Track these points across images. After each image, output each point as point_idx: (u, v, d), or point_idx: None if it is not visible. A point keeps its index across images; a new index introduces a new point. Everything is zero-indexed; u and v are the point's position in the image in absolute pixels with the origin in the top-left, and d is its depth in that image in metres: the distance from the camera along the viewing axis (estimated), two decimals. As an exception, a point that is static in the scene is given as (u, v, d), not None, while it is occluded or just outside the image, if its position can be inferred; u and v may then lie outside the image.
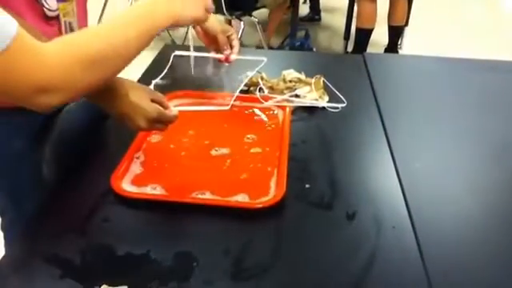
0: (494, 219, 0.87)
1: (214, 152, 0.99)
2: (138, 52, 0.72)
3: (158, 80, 1.11)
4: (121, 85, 0.83)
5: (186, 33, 3.48)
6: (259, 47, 3.20)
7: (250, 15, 3.24)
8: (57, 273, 0.71)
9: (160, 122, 0.84)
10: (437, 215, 0.86)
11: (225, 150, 0.99)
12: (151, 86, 1.12)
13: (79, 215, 0.82)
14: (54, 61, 0.62)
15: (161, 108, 0.84)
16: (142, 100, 0.82)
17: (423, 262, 0.75)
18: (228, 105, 0.96)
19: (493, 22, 4.39)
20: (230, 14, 3.10)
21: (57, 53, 0.63)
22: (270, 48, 3.23)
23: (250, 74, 1.17)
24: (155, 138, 1.03)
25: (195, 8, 0.81)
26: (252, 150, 1.00)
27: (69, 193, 0.89)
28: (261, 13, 3.38)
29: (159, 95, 0.86)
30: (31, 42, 0.61)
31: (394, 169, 0.96)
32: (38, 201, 0.95)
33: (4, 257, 0.76)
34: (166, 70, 1.10)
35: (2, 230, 1.10)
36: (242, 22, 3.31)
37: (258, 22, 3.28)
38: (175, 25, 0.78)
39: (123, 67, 0.71)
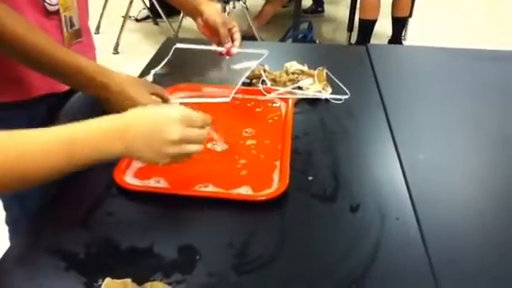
0: (498, 209, 0.86)
1: (217, 145, 0.99)
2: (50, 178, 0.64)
3: (157, 69, 1.11)
4: (118, 80, 0.82)
5: (179, 26, 3.48)
6: (247, 37, 3.15)
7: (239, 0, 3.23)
8: (61, 266, 0.71)
9: None
10: (441, 206, 0.86)
11: (227, 143, 0.99)
12: (150, 76, 1.12)
13: (83, 209, 0.82)
14: None
15: (160, 103, 0.83)
16: (140, 95, 0.81)
17: (427, 253, 0.75)
18: (229, 97, 0.96)
19: (496, 12, 4.35)
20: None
21: None
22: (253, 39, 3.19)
23: (252, 66, 1.16)
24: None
25: (153, 155, 0.71)
26: (255, 143, 1.00)
27: (72, 186, 0.89)
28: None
29: (159, 88, 0.86)
30: None
31: (397, 160, 0.96)
32: (42, 195, 0.95)
33: (9, 250, 0.76)
34: (165, 61, 1.10)
35: (7, 224, 1.11)
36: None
37: (247, 8, 3.27)
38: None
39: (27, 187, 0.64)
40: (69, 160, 0.62)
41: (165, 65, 1.14)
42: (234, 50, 1.12)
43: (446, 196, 0.89)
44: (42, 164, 0.61)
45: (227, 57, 1.14)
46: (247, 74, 1.15)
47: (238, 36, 1.12)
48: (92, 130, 0.64)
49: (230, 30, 1.11)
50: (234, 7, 3.26)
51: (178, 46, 1.06)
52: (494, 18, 4.17)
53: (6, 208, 1.08)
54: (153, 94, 0.84)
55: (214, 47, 1.12)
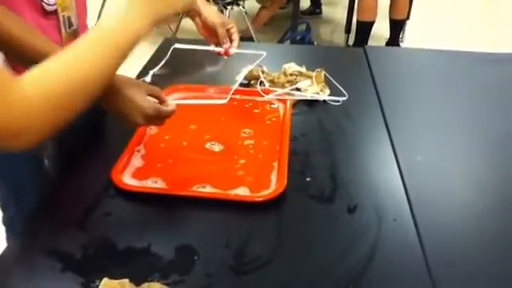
0: (496, 211, 0.86)
1: (215, 146, 0.99)
2: (116, 69, 0.67)
3: (155, 70, 1.11)
4: (115, 81, 0.82)
5: (177, 26, 3.47)
6: (245, 38, 3.16)
7: (238, 4, 3.23)
8: (58, 266, 0.71)
9: (157, 118, 0.83)
10: (438, 208, 0.86)
11: (225, 144, 0.99)
12: (148, 77, 1.12)
13: (80, 209, 0.82)
14: (30, 100, 0.56)
15: (157, 104, 0.83)
16: (137, 96, 0.81)
17: (424, 254, 0.75)
18: (226, 98, 0.96)
19: (493, 14, 4.37)
20: (216, 3, 3.09)
21: (29, 93, 0.56)
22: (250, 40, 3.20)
23: (250, 67, 1.16)
24: (156, 131, 1.03)
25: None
26: (253, 144, 1.00)
27: (70, 186, 0.89)
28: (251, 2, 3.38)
29: (156, 89, 0.86)
30: (7, 79, 0.54)
31: (395, 162, 0.96)
32: (39, 195, 0.95)
33: (5, 251, 0.76)
34: (163, 62, 1.10)
35: (4, 224, 1.10)
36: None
37: (246, 12, 3.27)
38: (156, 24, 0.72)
39: (97, 94, 0.66)
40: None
41: (163, 65, 1.14)
42: (232, 51, 1.12)
43: (444, 197, 0.89)
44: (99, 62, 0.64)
45: (225, 57, 1.14)
46: (245, 74, 1.15)
47: (236, 36, 1.12)
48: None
49: (228, 30, 1.11)
50: (232, 9, 3.27)
51: (177, 46, 1.06)
52: (491, 21, 4.18)
53: (2, 208, 1.07)
54: (150, 95, 0.83)
55: (212, 48, 1.12)
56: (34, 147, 0.59)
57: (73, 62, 0.62)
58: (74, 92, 0.61)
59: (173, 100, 0.89)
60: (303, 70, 1.22)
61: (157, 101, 0.85)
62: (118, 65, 0.67)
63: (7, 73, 0.55)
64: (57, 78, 0.60)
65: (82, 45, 0.64)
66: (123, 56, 0.67)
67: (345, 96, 1.17)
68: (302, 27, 3.33)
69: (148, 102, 0.82)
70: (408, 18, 3.45)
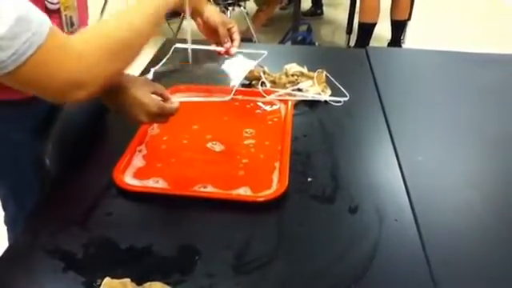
0: (495, 211, 0.86)
1: (216, 146, 0.99)
2: (153, 33, 0.76)
3: (157, 68, 1.11)
4: (119, 80, 0.82)
5: (179, 26, 3.48)
6: (246, 38, 3.18)
7: (239, 5, 3.24)
8: (59, 266, 0.71)
9: (161, 115, 0.84)
10: (439, 208, 0.86)
11: (227, 144, 0.99)
12: (150, 74, 1.12)
13: (82, 208, 0.82)
14: (85, 55, 0.63)
15: (161, 101, 0.83)
16: (141, 94, 0.81)
17: (425, 253, 0.75)
18: (229, 95, 0.96)
19: (495, 15, 4.37)
20: (217, 4, 3.10)
21: (86, 46, 0.64)
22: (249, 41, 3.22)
23: (252, 67, 1.16)
24: (157, 130, 1.03)
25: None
26: (254, 144, 1.00)
27: (71, 186, 0.89)
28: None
29: (159, 87, 0.86)
30: (63, 37, 0.62)
31: (396, 162, 0.96)
32: (41, 195, 0.95)
33: (7, 250, 0.76)
34: (165, 60, 1.10)
35: (5, 223, 1.10)
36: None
37: (247, 13, 3.28)
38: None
39: (141, 51, 0.75)
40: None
41: (164, 64, 1.14)
42: (234, 50, 1.12)
43: (445, 198, 0.89)
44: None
45: (226, 56, 1.14)
46: (246, 73, 1.15)
47: (237, 36, 1.12)
48: None
49: (229, 29, 1.11)
50: (233, 9, 3.27)
51: (178, 45, 1.06)
52: (493, 22, 4.18)
53: (3, 207, 1.07)
54: (154, 92, 0.83)
55: (213, 47, 1.12)
56: (86, 101, 0.66)
57: (122, 21, 0.71)
58: (124, 46, 0.69)
59: (175, 98, 0.89)
60: (304, 70, 1.22)
61: (160, 98, 0.85)
62: (156, 26, 0.77)
63: (60, 32, 0.62)
64: (108, 34, 0.68)
65: (127, 10, 0.74)
66: (159, 19, 0.78)
67: (346, 96, 1.17)
68: (303, 28, 3.34)
69: (152, 100, 0.82)
70: (409, 18, 3.45)
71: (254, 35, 3.27)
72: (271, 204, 0.83)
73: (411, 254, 0.76)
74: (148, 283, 0.67)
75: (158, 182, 0.88)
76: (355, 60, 1.42)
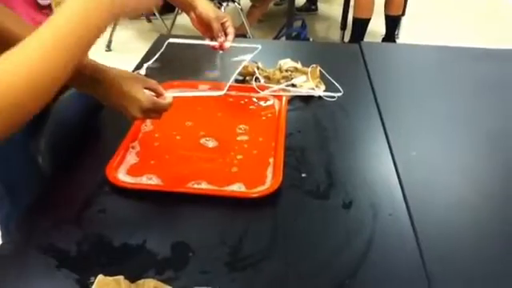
0: (490, 206, 0.87)
1: (210, 142, 0.98)
2: (76, 62, 0.62)
3: (150, 63, 1.11)
4: (112, 75, 0.81)
5: (173, 22, 3.46)
6: (240, 34, 3.16)
7: (233, 1, 3.24)
8: (53, 263, 0.71)
9: (154, 111, 0.83)
10: (433, 202, 0.86)
11: (221, 140, 0.99)
12: (143, 70, 1.11)
13: (75, 206, 0.82)
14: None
15: (154, 97, 0.83)
16: (134, 90, 0.81)
17: (419, 248, 0.75)
18: (222, 90, 0.96)
19: (490, 10, 4.38)
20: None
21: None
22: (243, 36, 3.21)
23: (245, 61, 1.16)
24: (151, 127, 1.02)
25: None
26: (248, 140, 1.00)
27: (64, 183, 0.89)
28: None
29: (152, 82, 0.85)
30: None
31: (390, 157, 0.96)
32: (34, 192, 0.94)
33: (0, 248, 0.76)
34: (158, 55, 1.09)
35: (-1, 222, 1.10)
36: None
37: (241, 9, 3.28)
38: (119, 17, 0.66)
39: (57, 89, 0.61)
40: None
41: (158, 59, 1.13)
42: (227, 45, 1.11)
43: (439, 193, 0.89)
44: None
45: (220, 51, 1.14)
46: (240, 68, 1.14)
47: (231, 30, 1.11)
48: None
49: (223, 24, 1.10)
50: (227, 5, 3.27)
51: (171, 40, 1.06)
52: (486, 16, 4.19)
53: (-3, 205, 1.07)
54: (147, 88, 0.83)
55: (207, 42, 1.12)
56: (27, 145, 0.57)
57: (36, 59, 0.57)
58: (36, 89, 0.56)
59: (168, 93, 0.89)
60: (299, 65, 1.22)
61: (154, 94, 0.84)
62: (79, 58, 0.62)
63: None
64: (17, 72, 0.55)
65: (45, 40, 0.59)
66: (85, 50, 0.62)
67: (340, 92, 1.17)
68: (298, 24, 3.33)
69: (144, 95, 0.81)
70: (403, 14, 3.45)
71: (249, 31, 3.27)
72: (265, 200, 0.83)
73: (405, 249, 0.76)
74: (142, 280, 0.67)
75: (151, 178, 0.88)
76: (349, 55, 1.42)
